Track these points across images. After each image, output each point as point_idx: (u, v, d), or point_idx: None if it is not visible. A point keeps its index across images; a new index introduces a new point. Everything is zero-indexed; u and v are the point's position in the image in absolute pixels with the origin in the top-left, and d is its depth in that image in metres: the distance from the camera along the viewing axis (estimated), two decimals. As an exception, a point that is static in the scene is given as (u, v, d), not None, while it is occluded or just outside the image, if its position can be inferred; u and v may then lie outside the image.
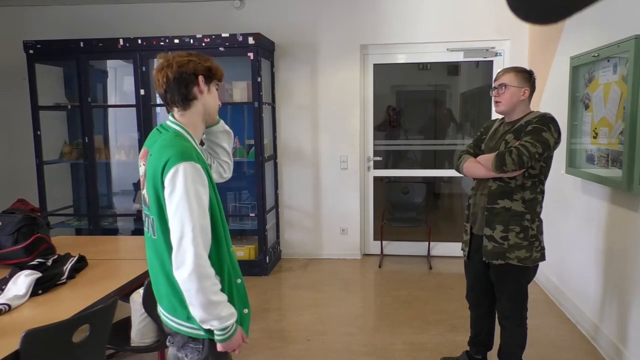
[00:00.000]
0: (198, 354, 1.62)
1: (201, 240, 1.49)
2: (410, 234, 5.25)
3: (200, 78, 1.60)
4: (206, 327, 1.54)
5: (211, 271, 1.51)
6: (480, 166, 2.45)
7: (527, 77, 2.45)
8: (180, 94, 1.60)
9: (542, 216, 2.48)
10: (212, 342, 1.59)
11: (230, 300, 1.59)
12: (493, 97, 2.50)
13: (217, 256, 1.57)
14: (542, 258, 2.48)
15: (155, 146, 1.57)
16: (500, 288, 2.55)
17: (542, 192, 2.45)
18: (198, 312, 1.51)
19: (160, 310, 1.67)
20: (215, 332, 1.55)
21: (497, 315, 2.63)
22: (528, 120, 2.40)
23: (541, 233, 2.47)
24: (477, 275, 2.65)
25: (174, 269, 1.50)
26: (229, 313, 1.55)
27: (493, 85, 2.52)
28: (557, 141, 2.36)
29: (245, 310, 1.68)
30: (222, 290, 1.56)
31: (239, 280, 1.66)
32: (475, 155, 2.57)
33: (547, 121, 2.34)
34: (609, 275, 2.99)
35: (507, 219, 2.40)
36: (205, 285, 1.48)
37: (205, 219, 1.51)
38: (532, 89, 2.47)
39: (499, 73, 2.51)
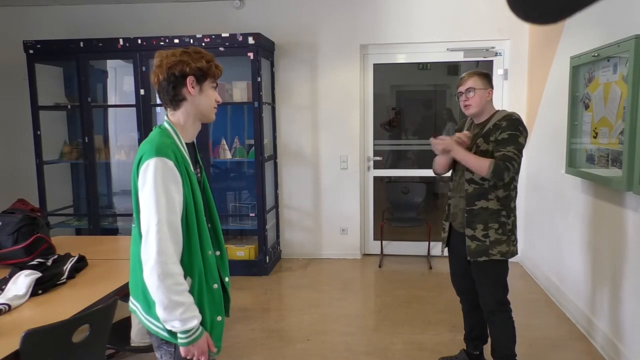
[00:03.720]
0: (170, 356, 1.60)
1: (168, 237, 1.46)
2: (410, 234, 5.25)
3: (190, 79, 1.59)
4: (168, 327, 1.52)
5: (175, 269, 1.48)
6: (471, 159, 2.47)
7: (488, 79, 2.60)
8: (169, 95, 1.60)
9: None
10: None
11: (200, 305, 1.56)
12: (462, 102, 2.61)
13: (187, 257, 1.55)
14: (516, 252, 2.61)
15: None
16: (482, 284, 2.63)
17: (515, 188, 2.58)
18: (159, 310, 1.49)
19: (137, 307, 1.64)
20: (178, 334, 1.53)
21: (483, 313, 2.67)
22: (495, 123, 2.52)
23: (515, 227, 2.61)
24: (459, 267, 2.76)
25: (142, 264, 1.50)
26: (191, 316, 1.51)
27: (459, 91, 2.62)
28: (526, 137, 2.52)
29: (219, 318, 1.64)
30: (191, 293, 1.53)
31: (215, 286, 1.63)
32: None
33: (516, 124, 2.46)
34: (607, 275, 2.99)
35: (485, 218, 2.53)
36: (167, 283, 1.46)
37: (175, 216, 1.49)
38: (493, 88, 2.63)
39: (463, 78, 2.61)
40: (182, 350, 1.54)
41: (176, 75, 1.58)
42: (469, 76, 2.58)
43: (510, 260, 2.59)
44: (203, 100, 1.64)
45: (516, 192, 2.59)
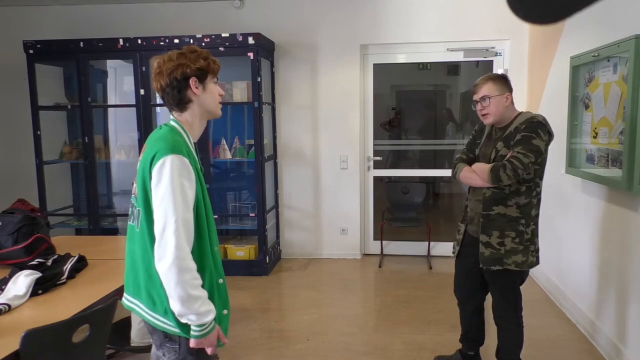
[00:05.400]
0: (175, 353, 1.61)
1: (183, 233, 1.49)
2: (410, 234, 5.25)
3: (192, 80, 1.61)
4: (183, 321, 1.54)
5: (192, 265, 1.51)
6: (476, 176, 2.44)
7: (504, 82, 2.43)
8: (175, 99, 1.63)
9: (541, 216, 2.48)
10: (188, 341, 1.58)
11: (211, 300, 1.59)
12: (478, 111, 2.46)
13: (199, 254, 1.57)
14: (537, 262, 2.49)
15: (150, 140, 1.61)
16: (495, 290, 2.57)
17: (538, 195, 2.43)
18: (176, 305, 1.51)
19: (138, 304, 1.65)
20: (192, 327, 1.55)
21: (493, 316, 2.63)
22: (517, 126, 2.37)
23: (536, 236, 2.47)
24: (467, 273, 2.67)
25: (155, 260, 1.50)
26: (207, 310, 1.55)
27: (474, 99, 2.46)
28: (549, 141, 2.35)
29: (225, 311, 1.68)
30: (203, 287, 1.56)
31: (220, 280, 1.66)
32: (470, 161, 2.56)
33: (534, 127, 2.32)
34: (608, 275, 2.99)
35: (502, 225, 2.40)
36: (185, 278, 1.48)
37: (189, 212, 1.52)
38: (512, 90, 2.46)
39: (477, 85, 2.45)
40: (192, 341, 1.56)
41: (178, 79, 1.60)
42: (483, 82, 2.41)
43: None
44: (208, 98, 1.67)
45: (539, 200, 2.43)
